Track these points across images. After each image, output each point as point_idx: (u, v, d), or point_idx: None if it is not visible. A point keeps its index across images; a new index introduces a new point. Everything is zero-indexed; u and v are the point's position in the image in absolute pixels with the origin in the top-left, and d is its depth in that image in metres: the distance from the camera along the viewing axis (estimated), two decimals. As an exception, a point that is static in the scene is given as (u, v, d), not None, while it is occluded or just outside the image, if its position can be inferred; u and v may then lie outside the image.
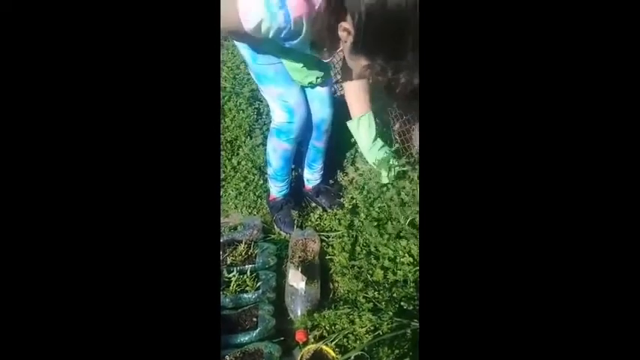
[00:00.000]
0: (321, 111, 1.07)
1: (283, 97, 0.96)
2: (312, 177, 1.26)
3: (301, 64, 0.92)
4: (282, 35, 0.70)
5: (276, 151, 1.09)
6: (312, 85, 1.00)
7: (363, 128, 1.00)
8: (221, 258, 1.07)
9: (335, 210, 1.19)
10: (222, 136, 1.41)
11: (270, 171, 1.17)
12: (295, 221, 1.18)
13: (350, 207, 1.18)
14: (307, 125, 1.07)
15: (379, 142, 1.03)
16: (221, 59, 1.67)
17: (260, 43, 0.84)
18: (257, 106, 1.47)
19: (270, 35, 0.70)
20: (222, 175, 1.33)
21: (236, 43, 0.92)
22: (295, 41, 0.74)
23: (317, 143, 1.16)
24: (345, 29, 0.64)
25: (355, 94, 0.99)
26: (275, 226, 1.21)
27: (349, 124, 1.03)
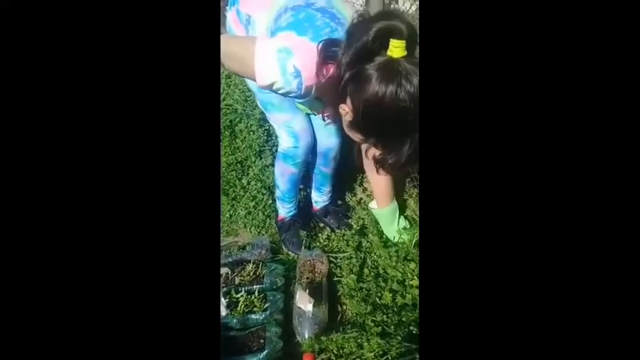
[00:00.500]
0: (328, 140, 1.09)
1: (289, 123, 0.99)
2: (320, 199, 1.27)
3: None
4: (291, 96, 0.75)
5: (284, 175, 1.11)
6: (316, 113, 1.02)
7: (386, 217, 1.14)
8: (230, 277, 1.07)
9: (343, 231, 1.19)
10: (232, 156, 1.44)
11: (278, 193, 1.19)
12: (303, 242, 1.18)
13: (358, 228, 1.19)
14: (313, 149, 1.10)
15: (400, 223, 1.14)
16: (234, 82, 1.72)
17: None
18: (267, 127, 1.50)
19: (279, 93, 0.75)
20: (233, 195, 1.35)
21: None
22: (300, 101, 0.80)
23: (325, 169, 1.18)
24: (344, 110, 0.71)
25: (381, 188, 1.11)
26: (283, 247, 1.21)
27: (374, 212, 1.16)
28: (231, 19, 0.91)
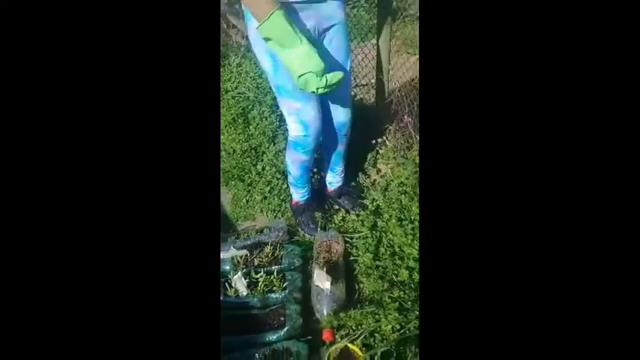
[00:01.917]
0: (341, 115, 1.10)
1: (299, 112, 0.99)
2: (334, 180, 1.28)
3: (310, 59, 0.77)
4: None
5: (295, 162, 1.12)
6: (324, 93, 0.88)
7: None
8: (249, 259, 1.10)
9: (358, 211, 1.21)
10: (246, 143, 1.46)
11: (290, 178, 1.20)
12: (319, 223, 1.20)
13: (373, 208, 1.19)
14: (325, 130, 1.10)
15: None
16: (244, 70, 1.73)
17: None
18: (279, 113, 1.51)
19: None
20: (248, 181, 1.38)
21: (258, 54, 0.95)
22: None
23: (338, 147, 1.18)
24: None
25: None
26: (299, 229, 1.23)
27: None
28: None
